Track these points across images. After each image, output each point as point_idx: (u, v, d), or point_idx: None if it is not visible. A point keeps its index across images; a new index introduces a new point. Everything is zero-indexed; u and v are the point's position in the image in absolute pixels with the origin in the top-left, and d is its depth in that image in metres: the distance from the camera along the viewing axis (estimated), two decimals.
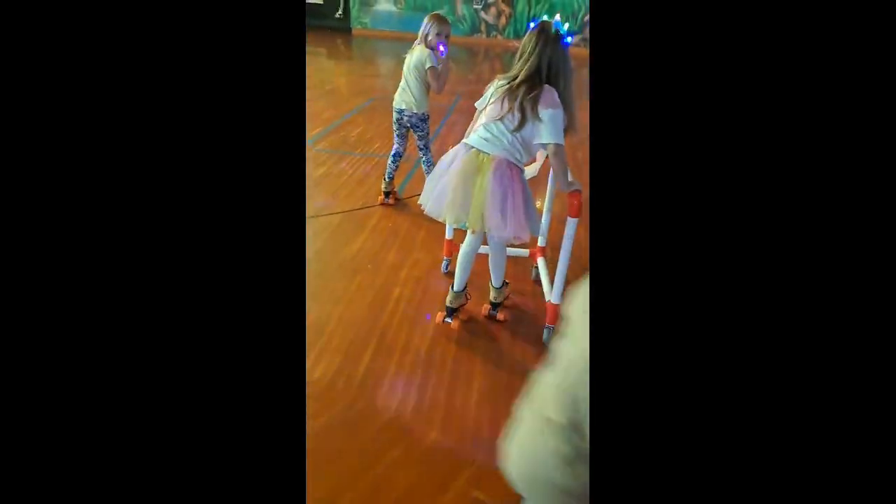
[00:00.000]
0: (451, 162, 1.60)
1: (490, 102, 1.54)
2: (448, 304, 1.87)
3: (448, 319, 1.87)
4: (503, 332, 1.91)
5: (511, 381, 1.66)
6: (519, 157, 1.55)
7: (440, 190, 1.60)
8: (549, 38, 1.48)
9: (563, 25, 1.54)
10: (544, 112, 1.46)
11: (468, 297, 1.93)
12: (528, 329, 1.92)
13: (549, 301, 1.82)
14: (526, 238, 1.60)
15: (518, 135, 1.50)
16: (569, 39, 1.53)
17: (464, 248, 1.81)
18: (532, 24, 1.56)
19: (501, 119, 1.49)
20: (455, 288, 1.85)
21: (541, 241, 2.14)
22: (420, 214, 1.88)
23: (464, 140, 1.61)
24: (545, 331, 1.84)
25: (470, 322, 1.94)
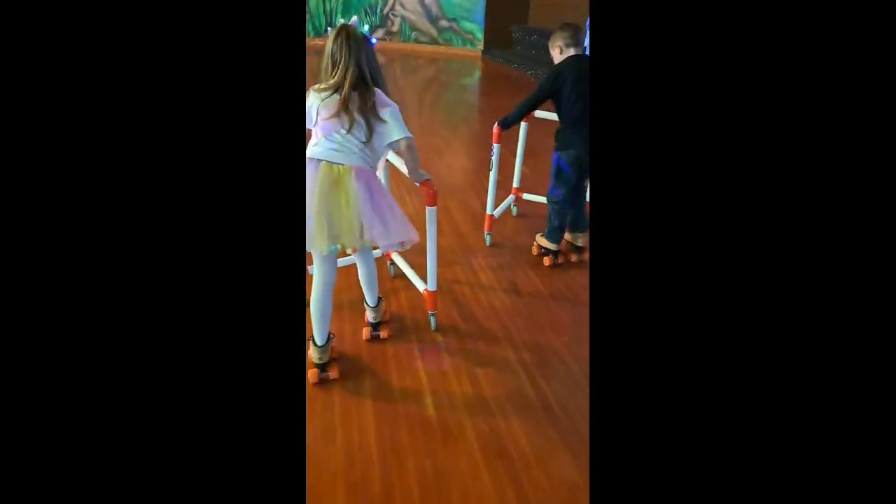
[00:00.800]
0: None
1: (323, 118, 1.47)
2: (317, 360, 1.63)
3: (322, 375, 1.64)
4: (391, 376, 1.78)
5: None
6: (372, 164, 1.54)
7: None
8: (358, 42, 1.46)
9: (363, 26, 1.56)
10: (384, 112, 1.47)
11: (334, 341, 1.70)
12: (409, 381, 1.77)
13: (426, 289, 1.90)
14: (415, 237, 1.56)
15: (369, 144, 1.50)
16: (374, 41, 1.56)
17: (316, 287, 1.58)
18: (329, 29, 1.53)
19: (349, 132, 1.45)
20: (318, 341, 1.61)
21: None
22: None
23: (307, 155, 1.52)
24: (430, 317, 1.93)
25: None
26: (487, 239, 2.55)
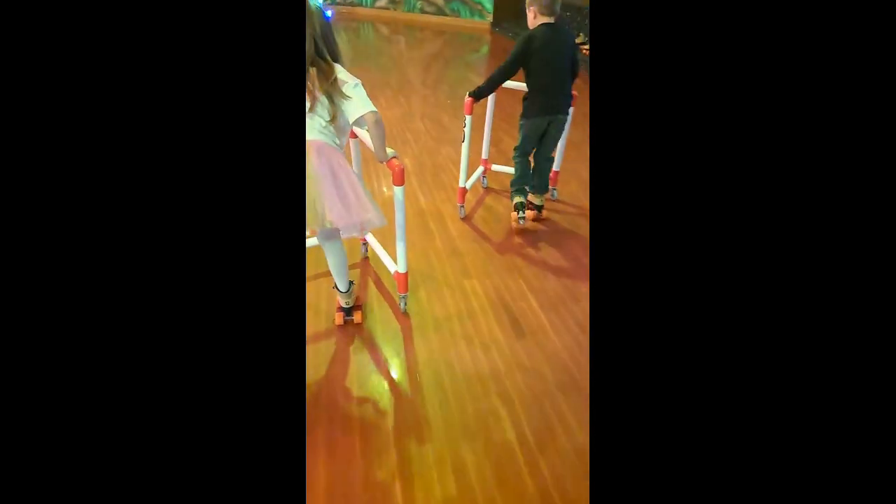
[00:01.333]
0: None
1: None
2: None
3: None
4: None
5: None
6: (337, 141, 1.49)
7: None
8: (312, 16, 1.39)
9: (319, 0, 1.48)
10: (347, 87, 1.42)
11: None
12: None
13: (396, 271, 1.86)
14: (378, 223, 1.51)
15: (334, 122, 1.44)
16: (329, 13, 1.49)
17: None
18: None
19: (311, 110, 1.40)
20: None
21: None
22: None
23: None
24: (400, 300, 1.89)
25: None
26: (461, 211, 2.56)
